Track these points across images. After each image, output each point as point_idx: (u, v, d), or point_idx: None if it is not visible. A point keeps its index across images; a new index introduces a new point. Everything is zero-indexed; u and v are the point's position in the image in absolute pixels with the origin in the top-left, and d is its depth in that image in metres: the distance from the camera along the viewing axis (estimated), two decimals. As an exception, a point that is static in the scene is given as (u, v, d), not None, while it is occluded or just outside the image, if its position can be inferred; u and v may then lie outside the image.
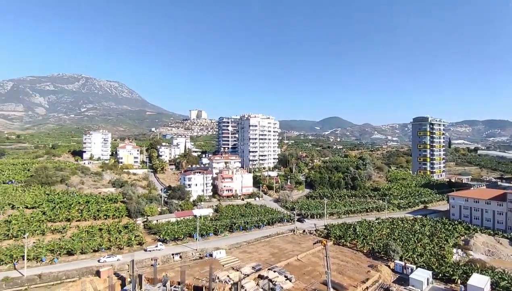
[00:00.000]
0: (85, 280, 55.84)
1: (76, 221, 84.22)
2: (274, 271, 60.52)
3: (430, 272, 59.48)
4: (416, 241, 77.71)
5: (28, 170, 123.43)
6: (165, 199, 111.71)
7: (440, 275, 60.34)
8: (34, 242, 70.37)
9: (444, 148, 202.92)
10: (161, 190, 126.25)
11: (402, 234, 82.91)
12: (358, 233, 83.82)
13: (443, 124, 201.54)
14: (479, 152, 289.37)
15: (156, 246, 73.37)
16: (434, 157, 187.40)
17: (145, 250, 72.34)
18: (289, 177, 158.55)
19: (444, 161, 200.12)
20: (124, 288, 55.75)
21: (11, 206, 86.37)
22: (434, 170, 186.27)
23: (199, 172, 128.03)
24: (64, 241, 71.45)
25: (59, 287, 54.14)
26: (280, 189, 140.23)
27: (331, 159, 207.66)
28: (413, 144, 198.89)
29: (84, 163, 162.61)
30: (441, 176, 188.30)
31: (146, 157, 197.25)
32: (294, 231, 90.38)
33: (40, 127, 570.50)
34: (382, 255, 70.37)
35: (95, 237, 74.80)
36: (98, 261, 64.81)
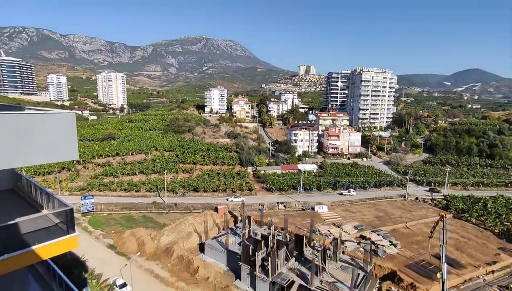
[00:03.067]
0: (207, 213, 67.50)
1: (200, 164, 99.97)
2: (378, 234, 58.68)
3: None
4: None
5: (165, 120, 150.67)
6: (272, 151, 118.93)
7: None
8: (170, 178, 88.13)
9: None
10: (269, 143, 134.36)
11: (557, 219, 65.43)
12: (489, 209, 70.65)
13: None
14: None
15: (349, 191, 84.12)
16: None
17: (340, 194, 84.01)
18: (404, 138, 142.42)
19: None
20: (236, 224, 64.94)
21: (155, 148, 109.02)
22: None
23: (305, 128, 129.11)
24: (191, 180, 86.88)
25: (188, 215, 67.43)
26: (392, 151, 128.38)
27: (461, 121, 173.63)
28: None
29: (206, 116, 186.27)
30: None
31: (256, 112, 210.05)
32: (404, 197, 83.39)
33: (172, 84, 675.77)
34: (521, 239, 58.17)
35: (214, 180, 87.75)
36: (227, 200, 76.69)
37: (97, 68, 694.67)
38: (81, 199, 66.23)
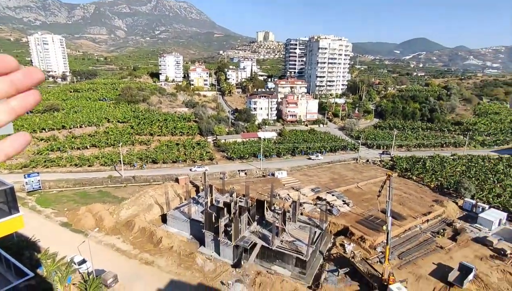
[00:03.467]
0: (168, 184, 66.47)
1: (157, 135, 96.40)
2: (333, 195, 63.03)
3: (504, 214, 55.22)
4: (496, 181, 70.67)
5: (116, 89, 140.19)
6: (232, 120, 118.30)
7: (518, 218, 55.55)
8: (126, 151, 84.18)
9: None
10: (229, 112, 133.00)
11: (480, 172, 75.80)
12: (427, 167, 79.21)
13: None
14: None
15: (317, 156, 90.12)
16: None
17: (309, 159, 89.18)
18: (357, 105, 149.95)
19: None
20: (198, 194, 65.20)
21: (107, 119, 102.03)
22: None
23: (264, 96, 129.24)
24: (149, 152, 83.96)
25: (148, 187, 65.88)
26: (347, 117, 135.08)
27: (408, 88, 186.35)
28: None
29: (161, 84, 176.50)
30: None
31: (215, 80, 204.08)
32: (357, 159, 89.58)
33: (122, 50, 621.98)
34: (451, 191, 66.69)
35: (173, 150, 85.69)
36: (190, 170, 75.96)
37: (28, 28, 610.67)
38: (24, 177, 60.90)
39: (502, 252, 45.71)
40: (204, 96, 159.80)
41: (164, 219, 55.75)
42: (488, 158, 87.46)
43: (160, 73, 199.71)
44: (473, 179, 71.59)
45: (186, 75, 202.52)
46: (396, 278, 38.20)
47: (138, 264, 42.31)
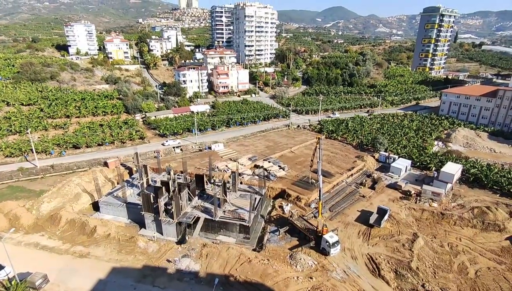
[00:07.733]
0: (95, 169, 60.87)
1: (76, 117, 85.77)
2: (269, 162, 65.90)
3: (409, 161, 65.41)
4: (403, 135, 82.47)
5: (13, 66, 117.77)
6: (161, 95, 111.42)
7: (418, 163, 66.50)
8: (38, 137, 73.35)
9: (449, 43, 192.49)
10: (156, 86, 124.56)
11: (390, 128, 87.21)
12: (349, 128, 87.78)
13: (454, 16, 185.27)
14: (483, 47, 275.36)
15: (334, 113, 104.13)
16: (436, 53, 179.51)
17: (328, 117, 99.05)
18: (286, 73, 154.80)
19: (445, 56, 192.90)
20: (132, 176, 61.44)
21: (5, 102, 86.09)
22: (433, 66, 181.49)
23: (194, 68, 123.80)
24: (68, 136, 74.59)
25: (72, 175, 59.35)
26: (277, 86, 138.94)
27: (330, 54, 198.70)
28: (418, 38, 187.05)
29: (72, 58, 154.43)
30: (439, 72, 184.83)
31: (137, 52, 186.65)
32: (288, 126, 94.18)
33: (13, 17, 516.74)
34: (370, 147, 75.64)
35: (98, 132, 77.73)
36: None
37: None
38: None
39: (408, 193, 54.78)
40: (127, 70, 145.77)
41: (96, 207, 51.61)
42: (397, 115, 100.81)
43: (69, 46, 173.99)
44: (386, 134, 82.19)
45: (101, 47, 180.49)
46: (329, 228, 42.95)
47: (72, 258, 39.00)
